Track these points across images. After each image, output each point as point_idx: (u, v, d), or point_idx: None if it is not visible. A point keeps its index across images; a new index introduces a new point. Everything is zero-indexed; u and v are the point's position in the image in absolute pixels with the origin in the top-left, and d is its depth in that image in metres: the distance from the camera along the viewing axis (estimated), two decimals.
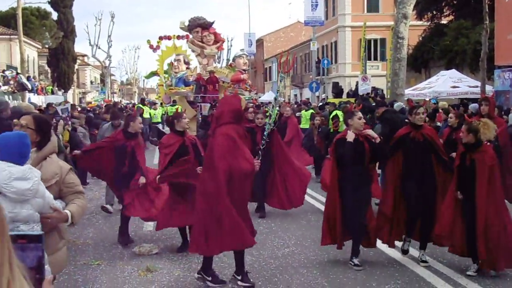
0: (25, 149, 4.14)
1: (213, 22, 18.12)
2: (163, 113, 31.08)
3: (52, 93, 40.43)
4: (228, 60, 19.41)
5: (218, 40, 18.24)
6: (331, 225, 7.73)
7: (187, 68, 17.67)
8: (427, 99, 21.57)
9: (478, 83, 21.60)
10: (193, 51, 18.43)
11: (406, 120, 8.52)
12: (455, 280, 7.06)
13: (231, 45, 60.76)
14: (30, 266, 1.76)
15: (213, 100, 16.84)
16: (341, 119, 12.16)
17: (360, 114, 7.70)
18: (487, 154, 7.11)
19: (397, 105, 15.07)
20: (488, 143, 7.45)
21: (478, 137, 7.08)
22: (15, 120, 4.80)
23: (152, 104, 31.46)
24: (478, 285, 6.90)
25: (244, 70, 17.38)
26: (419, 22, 34.92)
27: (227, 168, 6.31)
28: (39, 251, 1.82)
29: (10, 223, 3.91)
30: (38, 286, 1.79)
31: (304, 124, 18.56)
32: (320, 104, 26.39)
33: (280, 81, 8.05)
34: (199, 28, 18.00)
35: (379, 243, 8.32)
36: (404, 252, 7.97)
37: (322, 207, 11.44)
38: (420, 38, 34.76)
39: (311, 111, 19.28)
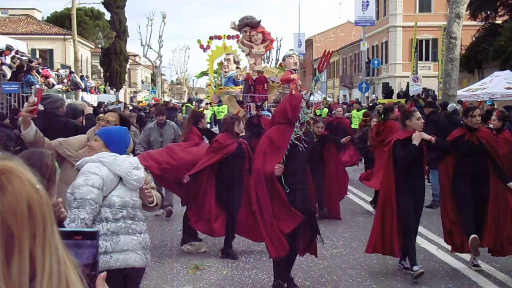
0: (128, 143, 4.65)
1: (259, 21, 18.10)
2: (212, 112, 31.35)
3: (105, 92, 41.25)
4: (277, 60, 19.38)
5: (266, 39, 18.22)
6: (387, 232, 7.17)
7: (237, 67, 17.68)
8: (480, 100, 21.11)
9: None
10: (243, 51, 18.49)
11: (461, 122, 8.22)
12: (508, 285, 6.89)
13: (280, 45, 60.18)
14: (85, 263, 1.78)
15: (262, 100, 16.84)
16: None
17: (418, 114, 7.36)
18: None
19: (450, 106, 14.81)
20: None
21: None
22: (101, 115, 4.99)
23: (199, 102, 31.81)
24: None
25: (294, 69, 17.26)
26: (473, 22, 34.19)
27: (258, 168, 6.32)
28: (94, 248, 1.85)
29: (133, 209, 4.35)
30: (92, 282, 1.82)
31: (356, 125, 18.31)
32: (370, 104, 26.14)
33: (315, 81, 7.52)
34: (247, 27, 18.03)
35: (428, 246, 8.19)
36: (475, 266, 7.51)
37: (370, 208, 11.38)
38: (474, 38, 34.06)
39: (364, 110, 19.03)
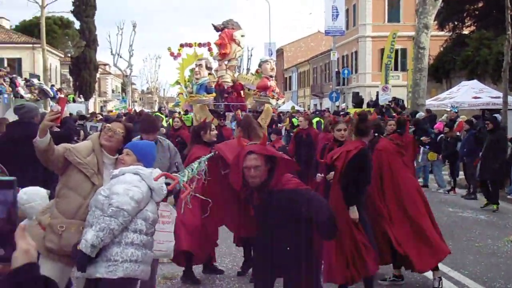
0: (155, 157, 4.91)
1: (216, 25, 17.69)
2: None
3: (74, 101, 40.78)
4: (248, 69, 19.18)
5: (217, 43, 17.61)
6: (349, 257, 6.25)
7: (210, 74, 17.07)
8: (448, 109, 21.42)
9: (500, 94, 21.39)
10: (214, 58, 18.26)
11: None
12: None
13: (251, 55, 59.88)
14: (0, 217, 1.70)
15: (236, 109, 16.43)
16: None
17: (339, 125, 7.56)
18: None
19: (419, 115, 15.00)
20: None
21: None
22: (107, 125, 4.86)
23: (171, 113, 31.52)
24: None
25: (271, 76, 16.62)
26: (441, 33, 34.72)
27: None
28: (9, 203, 1.73)
29: (152, 227, 4.45)
30: (10, 236, 1.72)
31: None
32: (341, 113, 26.33)
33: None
34: (219, 32, 17.82)
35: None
36: None
37: None
38: (442, 49, 34.57)
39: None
